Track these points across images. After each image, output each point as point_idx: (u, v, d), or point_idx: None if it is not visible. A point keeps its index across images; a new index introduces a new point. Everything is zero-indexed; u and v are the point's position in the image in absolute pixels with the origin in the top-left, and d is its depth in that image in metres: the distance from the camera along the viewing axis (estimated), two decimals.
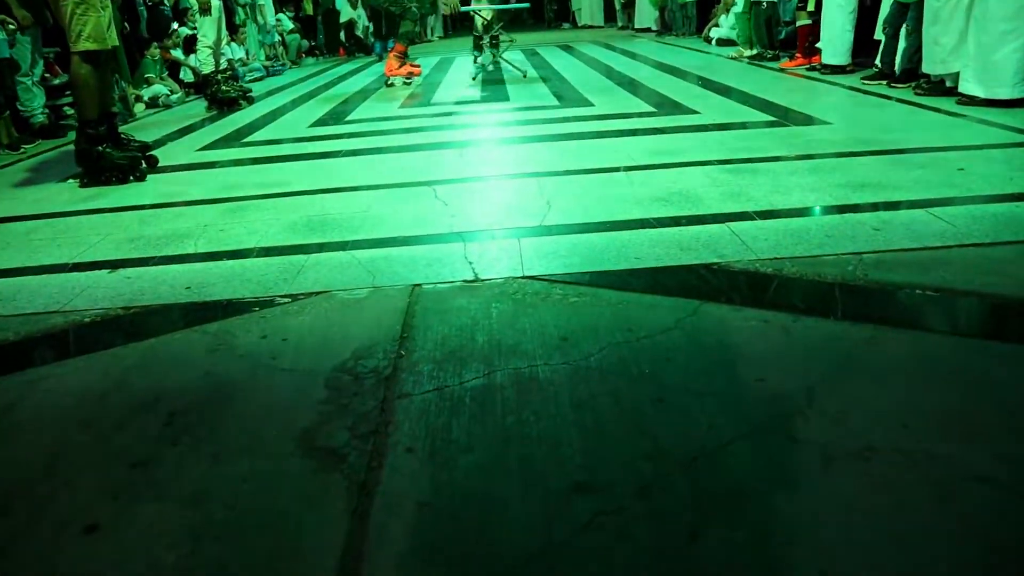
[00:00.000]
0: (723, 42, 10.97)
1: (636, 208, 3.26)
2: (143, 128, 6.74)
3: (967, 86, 5.04)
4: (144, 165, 4.69)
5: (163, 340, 2.32)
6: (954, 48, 5.24)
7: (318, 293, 2.57)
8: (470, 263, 2.75)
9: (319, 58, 14.88)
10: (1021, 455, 1.52)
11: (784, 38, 8.99)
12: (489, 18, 8.98)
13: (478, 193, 3.75)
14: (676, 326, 2.14)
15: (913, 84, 5.82)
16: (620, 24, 18.06)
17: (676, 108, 5.92)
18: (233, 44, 10.65)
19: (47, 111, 6.74)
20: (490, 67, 8.90)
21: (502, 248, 2.89)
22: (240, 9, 11.69)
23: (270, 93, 9.10)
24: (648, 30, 15.50)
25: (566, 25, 21.33)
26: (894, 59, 6.22)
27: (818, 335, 2.05)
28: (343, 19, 15.19)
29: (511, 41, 9.30)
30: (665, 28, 14.63)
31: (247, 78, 10.38)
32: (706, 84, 7.23)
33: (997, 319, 2.18)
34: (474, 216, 3.34)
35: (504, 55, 9.11)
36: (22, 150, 6.00)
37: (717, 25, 11.51)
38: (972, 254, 2.54)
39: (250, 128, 6.44)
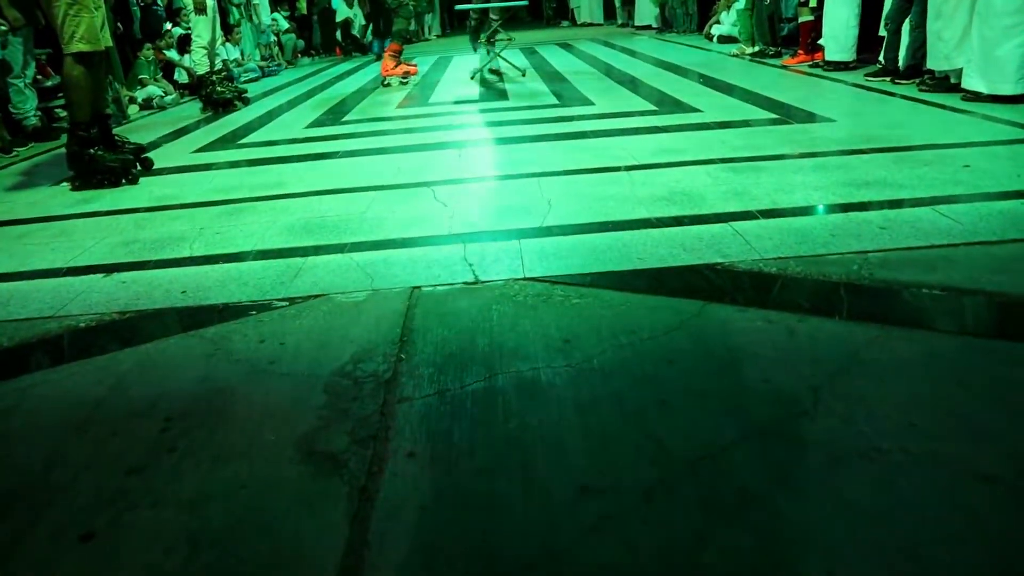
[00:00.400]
0: (724, 39, 10.98)
1: (638, 208, 3.27)
2: (137, 130, 6.75)
3: (970, 82, 5.04)
4: (138, 168, 4.70)
5: (159, 345, 2.32)
6: (958, 43, 5.24)
7: (316, 296, 2.57)
8: (470, 265, 2.75)
9: (315, 58, 14.89)
10: None
11: (786, 35, 9.00)
12: (496, 19, 8.97)
13: (478, 194, 3.76)
14: (679, 327, 2.15)
15: (917, 80, 5.82)
16: (620, 21, 18.06)
17: (677, 106, 5.92)
18: (228, 44, 10.67)
19: (39, 113, 6.75)
20: (488, 71, 8.90)
21: (502, 249, 2.89)
22: (235, 9, 11.71)
23: (266, 94, 9.10)
24: (648, 27, 15.51)
25: (565, 23, 21.34)
26: (898, 55, 6.23)
27: (823, 335, 2.05)
28: (339, 18, 15.20)
29: (509, 40, 9.30)
30: (666, 25, 14.63)
31: (242, 79, 10.38)
32: (708, 82, 7.23)
33: (1004, 318, 2.18)
34: (474, 217, 3.34)
35: (502, 54, 9.11)
36: (14, 153, 6.00)
37: (718, 22, 11.51)
38: (979, 252, 2.54)
39: (246, 129, 6.44)
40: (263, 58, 12.61)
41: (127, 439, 1.81)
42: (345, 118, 6.66)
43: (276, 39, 13.49)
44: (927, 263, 2.47)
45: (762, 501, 1.44)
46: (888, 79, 6.24)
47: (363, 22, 15.45)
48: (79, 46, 4.29)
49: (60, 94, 6.60)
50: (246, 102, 8.05)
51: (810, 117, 5.12)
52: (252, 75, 11.08)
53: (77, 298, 2.73)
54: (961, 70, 5.20)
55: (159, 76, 9.18)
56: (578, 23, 20.31)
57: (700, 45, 11.26)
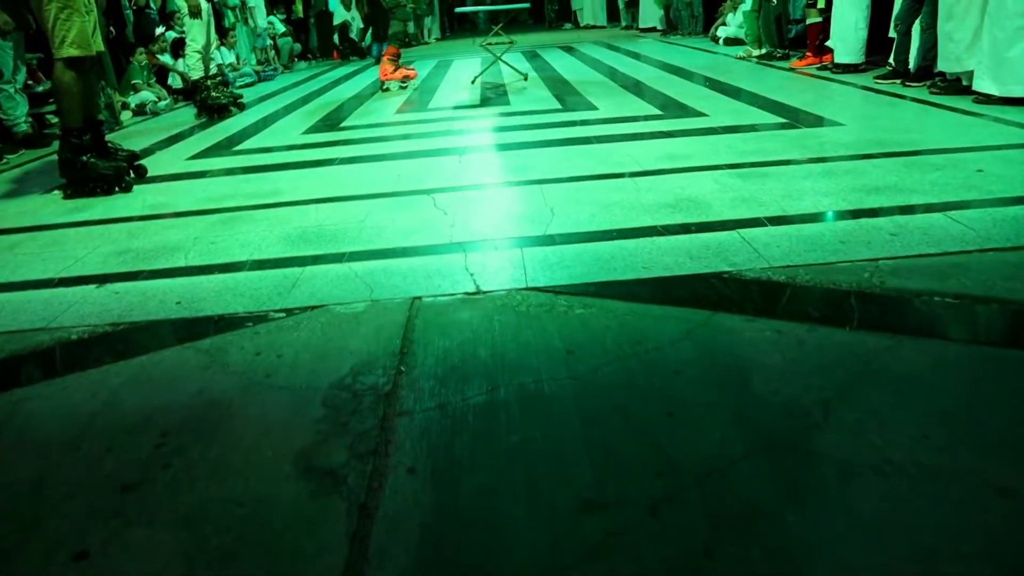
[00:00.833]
0: (731, 41, 11.00)
1: (643, 215, 3.27)
2: (130, 136, 6.77)
3: (982, 84, 5.05)
4: (131, 175, 4.71)
5: (153, 358, 2.32)
6: (969, 45, 5.26)
7: (314, 307, 2.58)
8: (471, 274, 2.76)
9: (312, 62, 14.93)
10: None
11: (794, 37, 9.02)
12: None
13: (479, 201, 3.77)
14: (686, 338, 2.15)
15: (928, 83, 5.83)
16: (624, 24, 18.11)
17: (683, 111, 5.94)
18: (223, 48, 10.69)
19: (30, 119, 6.76)
20: (488, 75, 8.93)
21: (504, 258, 2.90)
22: (230, 12, 11.74)
23: (262, 99, 9.13)
24: (653, 30, 15.55)
25: (567, 25, 21.40)
26: (908, 57, 6.24)
27: (833, 345, 2.06)
28: (337, 21, 15.25)
29: (510, 43, 9.33)
30: (670, 27, 14.67)
31: (238, 83, 10.41)
32: (714, 85, 7.25)
33: (1019, 326, 2.18)
34: (475, 225, 3.35)
35: (504, 57, 9.13)
36: (4, 160, 6.02)
37: (724, 24, 11.54)
38: (992, 259, 2.55)
39: (241, 136, 6.46)
40: (259, 62, 12.64)
41: (121, 455, 1.81)
42: (343, 124, 6.68)
43: (272, 43, 13.53)
44: (939, 271, 2.48)
45: (772, 516, 1.44)
46: (898, 82, 6.26)
47: (361, 25, 15.50)
48: (70, 51, 4.31)
49: (51, 100, 6.63)
50: (241, 108, 8.08)
51: (819, 121, 5.14)
52: (248, 80, 11.11)
53: (69, 309, 2.74)
54: (973, 72, 5.21)
55: (153, 81, 9.21)
56: (581, 25, 20.35)
57: (706, 48, 11.30)
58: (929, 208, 3.09)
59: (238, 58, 11.64)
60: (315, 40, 15.70)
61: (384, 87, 8.74)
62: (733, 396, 1.85)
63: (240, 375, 2.14)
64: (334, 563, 1.41)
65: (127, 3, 9.47)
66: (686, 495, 1.51)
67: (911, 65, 6.19)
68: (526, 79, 8.67)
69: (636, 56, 10.90)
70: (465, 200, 3.78)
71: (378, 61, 9.17)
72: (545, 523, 1.47)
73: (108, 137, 5.09)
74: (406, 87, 8.80)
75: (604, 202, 3.51)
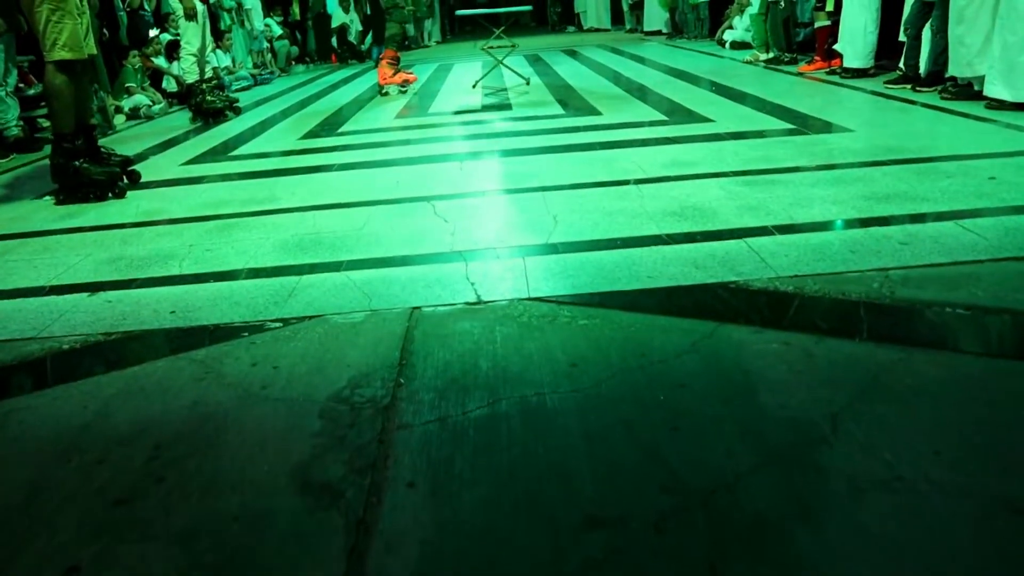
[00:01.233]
0: (737, 45, 11.03)
1: (648, 223, 3.28)
2: (123, 141, 6.79)
3: (993, 89, 5.06)
4: (125, 181, 4.72)
5: (147, 368, 2.33)
6: (980, 49, 5.27)
7: (311, 317, 2.59)
8: (472, 284, 2.76)
9: (310, 65, 14.98)
10: None
11: (802, 40, 9.03)
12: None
13: (480, 209, 3.78)
14: (692, 349, 2.15)
15: (939, 88, 5.84)
16: (628, 27, 18.14)
17: (689, 116, 5.95)
18: (218, 51, 10.73)
19: (21, 123, 6.78)
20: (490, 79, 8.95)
21: (506, 267, 2.90)
22: (225, 14, 11.79)
23: (258, 103, 9.16)
24: (658, 33, 15.58)
25: (570, 28, 21.45)
26: (918, 62, 6.26)
27: (842, 357, 2.06)
28: (335, 23, 15.29)
29: (512, 46, 9.35)
30: (676, 31, 14.70)
31: (234, 87, 10.45)
32: (720, 90, 7.27)
33: None
34: (476, 233, 3.35)
35: (506, 61, 9.16)
36: None
37: (731, 27, 11.57)
38: (1005, 269, 2.55)
39: (237, 141, 6.48)
40: (255, 66, 12.69)
41: (113, 468, 1.81)
42: (341, 129, 6.70)
43: (269, 46, 13.58)
44: (951, 281, 2.48)
45: (779, 532, 1.44)
46: (909, 87, 6.27)
47: (360, 28, 15.55)
48: (61, 54, 4.32)
49: (43, 103, 6.65)
50: (237, 112, 8.10)
51: (827, 127, 5.15)
52: (244, 83, 11.15)
53: (61, 318, 2.75)
54: (984, 77, 5.22)
55: (147, 84, 9.24)
56: (584, 29, 20.41)
57: (712, 51, 11.32)
58: (940, 216, 3.09)
59: (234, 61, 11.68)
60: (313, 43, 15.74)
61: (383, 91, 8.76)
62: (740, 409, 1.86)
63: (236, 387, 2.15)
64: None
65: (120, 5, 9.49)
66: (691, 511, 1.51)
67: (921, 70, 6.21)
68: (528, 83, 8.69)
69: (641, 60, 10.93)
70: (466, 207, 3.79)
71: (378, 64, 9.20)
72: (547, 539, 1.47)
73: (101, 142, 5.11)
74: (406, 91, 8.83)
75: (608, 210, 3.52)
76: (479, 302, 2.61)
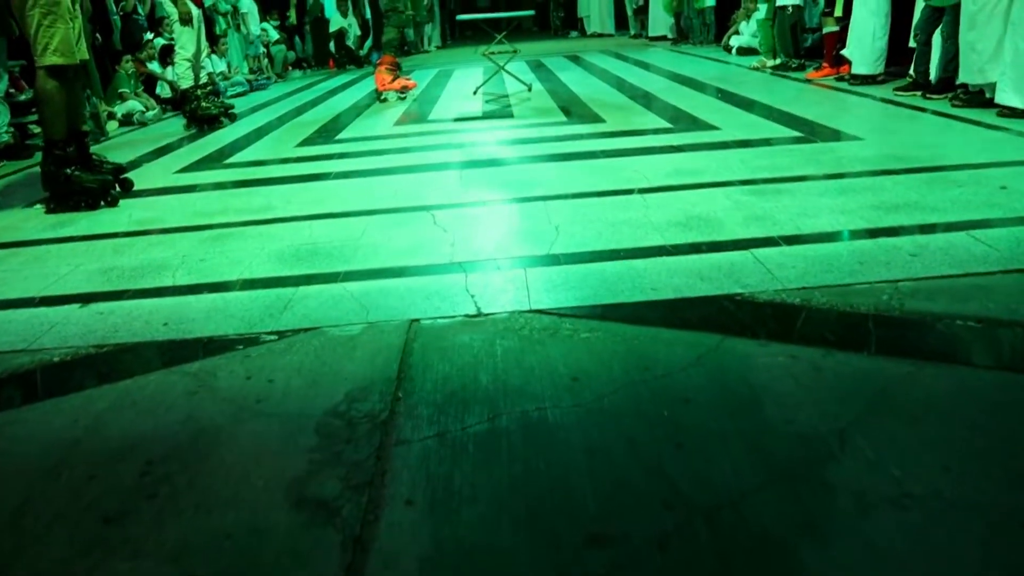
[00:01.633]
0: (744, 51, 11.07)
1: (652, 234, 3.29)
2: (116, 148, 6.81)
3: (1005, 96, 5.08)
4: (117, 189, 4.74)
5: (139, 382, 2.33)
6: (992, 55, 5.29)
7: (307, 330, 2.59)
8: (472, 296, 2.77)
9: (307, 71, 15.02)
10: None
11: (810, 46, 9.06)
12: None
13: (480, 219, 3.79)
14: (696, 363, 2.16)
15: (950, 95, 5.87)
16: (632, 32, 18.21)
17: (694, 124, 5.97)
18: (214, 56, 10.76)
19: (12, 130, 6.80)
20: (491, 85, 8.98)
21: (507, 279, 2.91)
22: (221, 18, 11.83)
23: (254, 110, 9.19)
24: (663, 38, 15.64)
25: (573, 33, 21.51)
26: (929, 68, 6.28)
27: (851, 371, 2.07)
28: (333, 28, 15.34)
29: (514, 52, 9.38)
30: (681, 36, 14.75)
31: (229, 93, 10.49)
32: (726, 97, 7.29)
33: None
34: (476, 244, 3.36)
35: (507, 67, 9.19)
36: None
37: (737, 33, 11.62)
38: (1017, 280, 2.56)
39: (232, 148, 6.50)
40: (251, 71, 12.73)
41: (104, 484, 1.82)
42: (338, 136, 6.72)
43: (265, 51, 13.62)
44: (961, 293, 2.49)
45: (785, 550, 1.45)
46: (919, 94, 6.29)
47: (358, 32, 15.59)
48: (53, 59, 4.34)
49: (34, 109, 6.66)
50: (233, 118, 8.12)
51: (836, 135, 5.16)
52: (239, 89, 11.19)
53: (51, 330, 2.75)
54: (996, 84, 5.23)
55: (140, 90, 9.26)
56: (587, 34, 20.47)
57: (718, 57, 11.36)
58: (951, 227, 3.10)
59: (229, 66, 11.73)
60: (310, 48, 15.79)
61: (382, 98, 8.78)
62: (745, 425, 1.86)
63: (230, 401, 2.15)
64: None
65: (114, 8, 9.52)
66: (696, 528, 1.52)
67: (932, 76, 6.23)
68: (530, 90, 8.72)
69: (645, 66, 10.97)
70: (466, 217, 3.80)
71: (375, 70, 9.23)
72: (548, 558, 1.47)
73: (93, 149, 5.12)
74: (405, 98, 8.85)
75: (611, 220, 3.53)
76: (479, 314, 2.62)
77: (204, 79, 8.30)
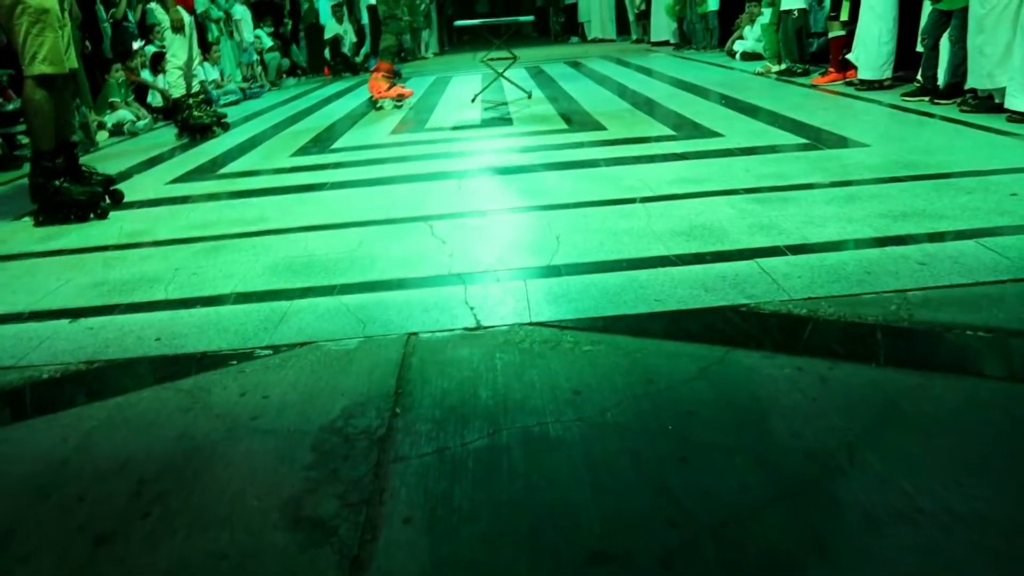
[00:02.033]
0: (748, 56, 11.10)
1: (655, 244, 3.30)
2: (106, 159, 6.82)
3: (1014, 101, 5.10)
4: (107, 201, 4.74)
5: (130, 399, 2.34)
6: (1001, 59, 5.31)
7: (303, 344, 2.60)
8: (471, 308, 2.78)
9: (301, 79, 15.06)
10: None
11: (815, 51, 9.09)
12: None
13: (479, 229, 3.80)
14: (701, 376, 2.16)
15: (958, 100, 5.88)
16: (634, 37, 18.27)
17: (697, 131, 5.99)
18: (206, 64, 10.80)
19: None
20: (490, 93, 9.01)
21: (507, 291, 2.92)
22: (213, 25, 11.87)
23: (247, 118, 9.21)
24: (665, 43, 15.68)
25: (574, 39, 21.56)
26: (936, 73, 6.29)
27: (858, 383, 2.07)
28: (328, 35, 15.38)
29: (513, 58, 9.42)
30: (684, 41, 14.80)
31: (222, 102, 10.51)
32: (730, 103, 7.31)
33: None
34: (475, 255, 3.37)
35: (506, 74, 9.22)
36: None
37: (741, 37, 11.65)
38: None
39: (225, 158, 6.52)
40: (244, 79, 12.76)
41: (95, 504, 1.82)
42: (334, 146, 6.73)
43: (259, 58, 13.66)
44: (971, 302, 2.50)
45: (792, 568, 1.45)
46: (926, 99, 6.31)
47: (354, 39, 15.63)
48: (41, 68, 4.35)
49: (22, 120, 6.67)
50: (226, 128, 8.14)
51: (842, 142, 5.18)
52: (232, 98, 11.21)
53: (40, 346, 2.76)
54: (1005, 88, 5.24)
55: (131, 99, 9.29)
56: (588, 39, 20.52)
57: (721, 63, 11.40)
58: (960, 235, 3.11)
59: (222, 74, 11.75)
60: (305, 55, 15.83)
61: (378, 106, 8.79)
62: (751, 439, 1.86)
63: (224, 417, 2.16)
64: None
65: (104, 15, 9.55)
66: (701, 546, 1.52)
67: (940, 81, 6.24)
68: (530, 97, 8.74)
69: (647, 72, 11.00)
70: (464, 228, 3.81)
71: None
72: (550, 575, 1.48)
73: (83, 160, 5.14)
74: (401, 106, 8.87)
75: (613, 230, 3.54)
76: (478, 327, 2.62)
77: (196, 87, 8.33)
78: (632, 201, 4.01)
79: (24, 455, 2.07)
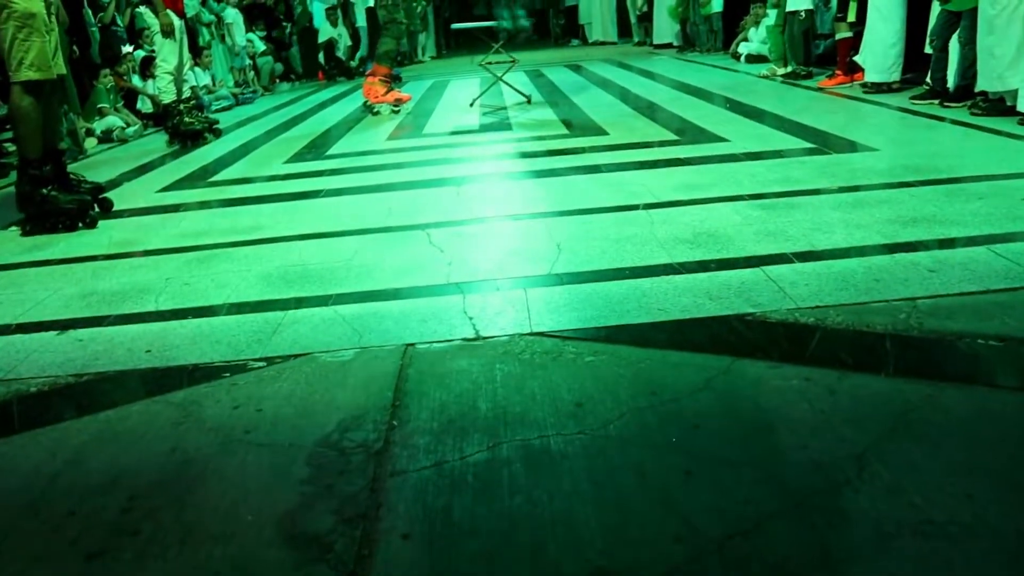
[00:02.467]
0: (753, 58, 11.12)
1: (658, 251, 3.31)
2: (95, 166, 6.84)
3: None
4: (96, 209, 4.75)
5: (120, 412, 2.34)
6: (1012, 61, 5.32)
7: (297, 356, 2.60)
8: (470, 318, 2.78)
9: (295, 84, 15.08)
10: None
11: (822, 53, 9.10)
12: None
13: (478, 237, 3.81)
14: (706, 387, 2.17)
15: (969, 103, 5.89)
16: (636, 40, 18.29)
17: (701, 135, 6.01)
18: (197, 69, 10.81)
19: None
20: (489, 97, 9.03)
21: (507, 300, 2.93)
22: (204, 29, 11.89)
23: (240, 124, 9.23)
24: (668, 46, 15.69)
25: (575, 42, 21.58)
26: (946, 75, 6.30)
27: (867, 394, 2.08)
28: (322, 39, 15.41)
29: (512, 62, 9.44)
30: (687, 43, 14.81)
31: (214, 107, 10.53)
32: (735, 107, 7.33)
33: None
34: (474, 264, 3.38)
35: (505, 78, 9.24)
36: None
37: (746, 39, 11.67)
38: None
39: (217, 165, 6.53)
40: (237, 84, 12.79)
41: (85, 520, 1.82)
42: (329, 152, 6.75)
43: (251, 63, 13.69)
44: (982, 310, 2.50)
45: None
46: (936, 102, 6.32)
47: (349, 43, 15.66)
48: (28, 74, 4.36)
49: (8, 127, 6.69)
50: (218, 134, 8.15)
51: (850, 146, 5.20)
52: (224, 103, 11.23)
53: (28, 359, 2.76)
54: (1017, 91, 5.26)
55: (120, 105, 9.30)
56: (589, 42, 20.54)
57: (726, 65, 11.42)
58: (971, 241, 3.12)
59: (214, 79, 11.78)
60: (298, 60, 15.85)
61: (374, 111, 8.81)
62: (758, 451, 1.87)
63: (216, 431, 2.16)
64: None
65: (92, 19, 9.57)
66: (707, 561, 1.52)
67: (950, 84, 6.26)
68: (529, 101, 8.76)
69: (650, 75, 11.02)
70: (463, 236, 3.82)
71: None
72: None
73: (71, 167, 5.16)
74: (398, 111, 8.88)
75: (615, 237, 3.54)
76: (478, 338, 2.63)
77: (187, 93, 8.33)
78: (635, 208, 4.02)
79: (13, 470, 2.07)
